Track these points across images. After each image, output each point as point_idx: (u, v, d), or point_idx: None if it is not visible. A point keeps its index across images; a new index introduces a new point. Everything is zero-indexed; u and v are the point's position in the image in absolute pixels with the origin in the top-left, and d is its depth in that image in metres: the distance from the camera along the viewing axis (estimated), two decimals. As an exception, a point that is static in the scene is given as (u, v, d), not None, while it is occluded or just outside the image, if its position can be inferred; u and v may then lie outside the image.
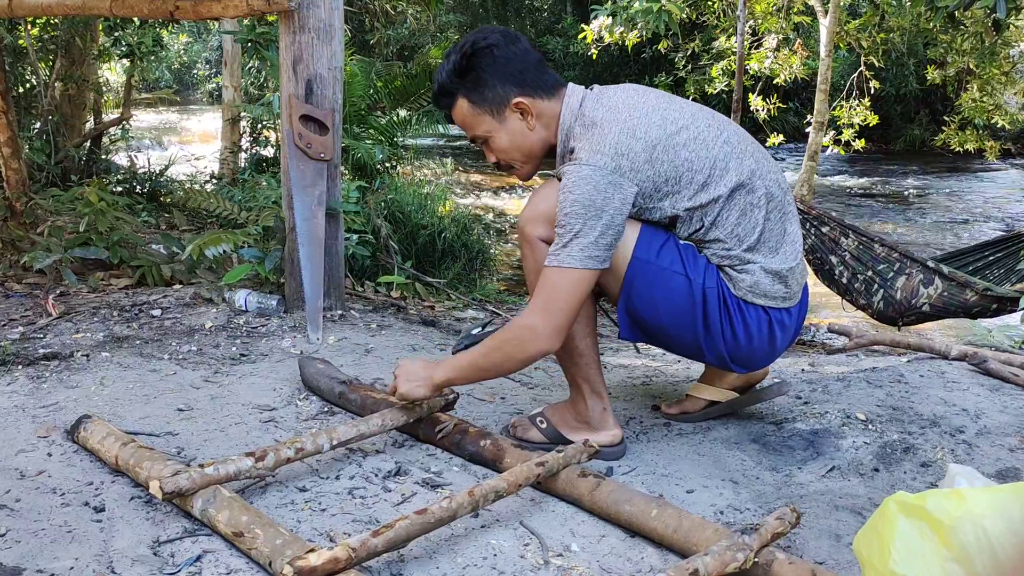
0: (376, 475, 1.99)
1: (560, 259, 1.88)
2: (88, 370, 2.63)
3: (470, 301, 6.01)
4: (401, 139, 8.40)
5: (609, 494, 1.78)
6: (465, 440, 2.08)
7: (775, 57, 9.44)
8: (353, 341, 3.02)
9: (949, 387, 2.44)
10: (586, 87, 2.06)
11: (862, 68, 9.69)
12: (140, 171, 7.75)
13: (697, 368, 2.87)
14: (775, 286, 1.98)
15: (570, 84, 2.04)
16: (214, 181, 8.41)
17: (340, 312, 3.30)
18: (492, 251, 7.54)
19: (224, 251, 3.19)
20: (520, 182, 2.18)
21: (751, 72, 9.25)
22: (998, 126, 8.90)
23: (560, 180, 2.06)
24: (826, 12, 8.37)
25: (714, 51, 9.71)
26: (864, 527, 1.36)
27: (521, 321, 1.93)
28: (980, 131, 9.26)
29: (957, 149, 9.56)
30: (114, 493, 1.86)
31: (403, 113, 8.51)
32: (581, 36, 9.21)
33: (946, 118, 9.96)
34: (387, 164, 7.98)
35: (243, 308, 3.26)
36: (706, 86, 9.09)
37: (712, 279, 1.97)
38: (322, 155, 3.09)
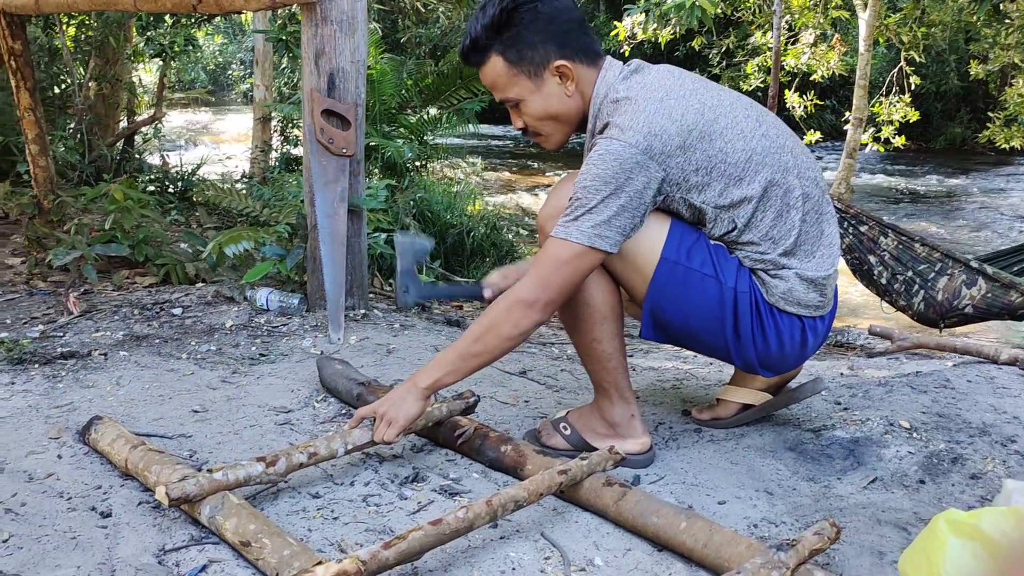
0: (392, 481, 1.91)
1: (567, 231, 1.77)
2: (105, 369, 2.58)
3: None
4: (431, 138, 8.35)
5: (635, 504, 1.69)
6: (485, 445, 2.00)
7: (812, 53, 9.25)
8: (375, 341, 2.94)
9: (999, 393, 2.31)
10: (624, 62, 1.96)
11: (902, 64, 9.46)
12: (172, 170, 7.76)
13: (730, 371, 2.75)
14: (810, 294, 1.87)
15: (608, 57, 1.94)
16: (245, 180, 8.42)
17: (363, 311, 3.23)
18: (521, 250, 7.44)
19: (245, 249, 3.13)
20: (548, 149, 2.05)
21: (787, 68, 9.05)
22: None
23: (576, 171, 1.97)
24: (866, 6, 8.16)
25: (749, 47, 9.53)
26: (911, 546, 1.26)
27: (516, 294, 1.81)
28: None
29: (1003, 146, 9.29)
30: (122, 498, 1.80)
31: (433, 111, 8.45)
32: (614, 33, 9.09)
33: (990, 115, 9.68)
34: (417, 163, 7.93)
35: (264, 307, 3.20)
36: (741, 83, 8.90)
37: (744, 283, 1.86)
38: (344, 150, 3.02)
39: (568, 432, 2.06)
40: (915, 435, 2.00)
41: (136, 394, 2.41)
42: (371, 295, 3.50)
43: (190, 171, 7.77)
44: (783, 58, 8.42)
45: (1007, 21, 7.01)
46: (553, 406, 2.41)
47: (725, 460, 1.99)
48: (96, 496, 1.81)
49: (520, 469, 1.91)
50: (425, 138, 8.22)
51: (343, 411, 2.32)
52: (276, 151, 8.67)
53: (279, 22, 7.86)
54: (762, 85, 8.75)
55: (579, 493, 1.78)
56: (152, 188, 7.33)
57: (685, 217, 1.90)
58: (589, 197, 1.77)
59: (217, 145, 13.68)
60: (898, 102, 9.46)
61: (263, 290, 3.22)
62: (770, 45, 8.40)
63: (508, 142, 17.40)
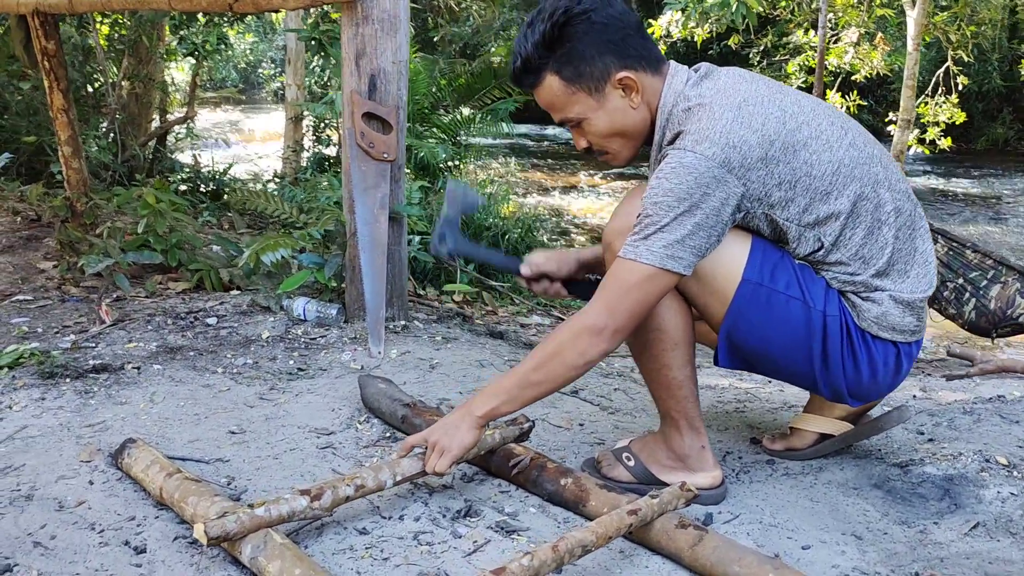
0: (444, 516, 1.77)
1: (637, 251, 1.63)
2: (138, 384, 2.47)
3: (534, 306, 5.79)
4: (464, 138, 8.23)
5: (714, 551, 1.54)
6: (543, 477, 1.85)
7: (856, 52, 9.00)
8: (417, 355, 2.81)
9: None
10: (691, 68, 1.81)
11: (949, 63, 9.20)
12: (204, 170, 7.70)
13: (794, 391, 2.60)
14: (906, 318, 1.71)
15: (671, 62, 1.79)
16: (276, 180, 8.34)
17: (403, 322, 3.10)
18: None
19: (282, 257, 3.02)
20: (616, 165, 1.89)
21: (829, 68, 8.81)
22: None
23: (643, 184, 1.82)
24: (914, 4, 7.91)
25: (791, 46, 9.28)
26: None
27: (582, 321, 1.67)
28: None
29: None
30: (156, 531, 1.68)
31: (466, 111, 8.33)
32: (649, 31, 8.91)
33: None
34: (450, 163, 7.80)
35: (301, 317, 3.08)
36: (783, 82, 8.67)
37: (834, 306, 1.70)
38: (385, 155, 2.89)
39: (632, 463, 1.91)
40: (1015, 473, 1.83)
41: (170, 412, 2.29)
42: (410, 304, 3.37)
43: (222, 171, 7.70)
44: (825, 57, 8.21)
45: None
46: (610, 430, 2.26)
47: (805, 497, 1.83)
48: (130, 529, 1.69)
49: (582, 504, 1.77)
50: (458, 138, 8.11)
51: (387, 434, 2.19)
52: (308, 151, 8.59)
53: (311, 20, 7.78)
54: (803, 85, 8.53)
55: (649, 534, 1.63)
56: (184, 188, 7.27)
57: (766, 235, 1.74)
58: (661, 214, 1.62)
59: (247, 144, 13.65)
60: (944, 103, 9.21)
61: (300, 299, 3.10)
62: (812, 44, 8.19)
63: (540, 142, 17.23)
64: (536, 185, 12.38)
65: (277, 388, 2.52)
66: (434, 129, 8.07)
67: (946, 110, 9.13)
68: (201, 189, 7.44)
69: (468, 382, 2.60)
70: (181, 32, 7.59)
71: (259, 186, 8.06)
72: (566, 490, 1.80)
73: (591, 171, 13.83)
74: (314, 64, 9.25)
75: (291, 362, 2.74)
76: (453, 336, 3.06)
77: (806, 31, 9.25)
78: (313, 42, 8.02)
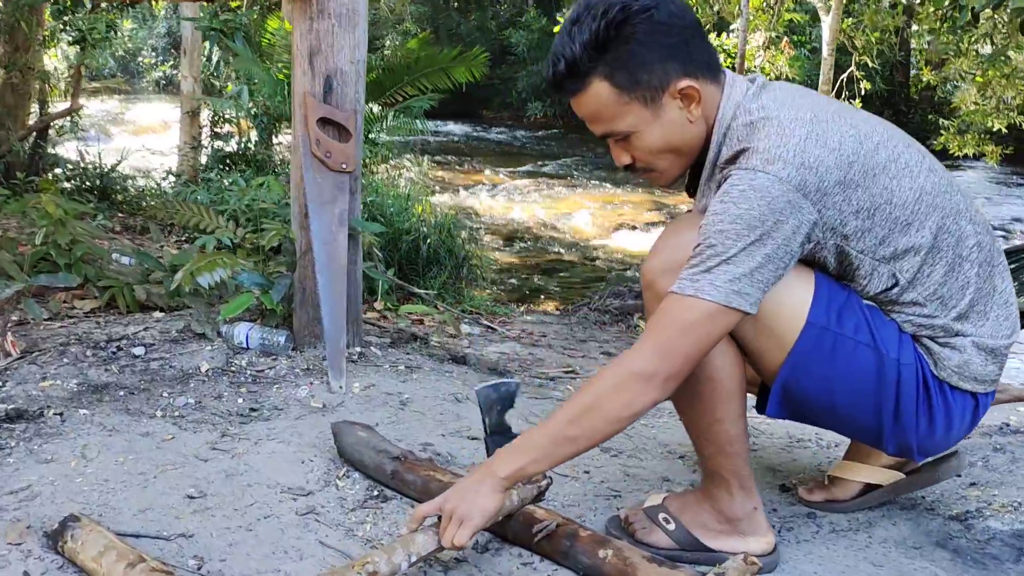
0: (467, 600, 1.52)
1: (698, 286, 1.41)
2: (64, 436, 2.10)
3: (459, 313, 5.55)
4: (375, 136, 7.88)
5: (803, 642, 1.34)
6: (576, 548, 1.61)
7: (764, 56, 9.09)
8: (383, 389, 2.53)
9: None
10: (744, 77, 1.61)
11: (852, 69, 9.42)
12: (90, 166, 7.10)
13: (801, 425, 2.43)
14: (988, 367, 1.55)
15: (727, 70, 1.58)
16: (172, 178, 7.79)
17: (359, 349, 2.80)
18: (478, 257, 7.05)
19: (220, 278, 2.67)
20: (660, 185, 1.65)
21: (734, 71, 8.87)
22: (994, 129, 8.69)
23: (694, 214, 1.61)
24: (828, 10, 8.02)
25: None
26: None
27: (628, 366, 1.46)
28: (981, 135, 9.04)
29: (956, 153, 9.33)
30: (124, 642, 1.36)
31: (376, 108, 7.97)
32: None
33: (943, 121, 9.73)
34: (363, 163, 7.44)
35: (244, 345, 2.74)
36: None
37: (909, 353, 1.53)
38: (344, 166, 2.60)
39: (672, 527, 1.69)
40: (1085, 527, 1.71)
41: (110, 471, 1.94)
42: (365, 326, 3.07)
43: (110, 167, 7.13)
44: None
45: (972, 31, 6.98)
46: (621, 478, 2.05)
47: (864, 561, 1.66)
48: (87, 639, 1.37)
49: (628, 582, 1.54)
50: (371, 136, 7.75)
51: (374, 492, 1.91)
52: (207, 148, 8.06)
53: (208, 7, 7.28)
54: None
55: (719, 621, 1.42)
56: (67, 186, 6.68)
57: (832, 269, 1.55)
58: (728, 244, 1.41)
59: (133, 137, 12.83)
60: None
61: (242, 325, 2.76)
62: (723, 46, 8.21)
63: (445, 138, 16.91)
64: (444, 183, 12.08)
65: (230, 434, 2.19)
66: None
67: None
68: (86, 186, 6.85)
69: (448, 421, 2.34)
70: (65, 18, 6.97)
71: (153, 185, 7.51)
72: (607, 564, 1.57)
73: (495, 168, 13.64)
74: (212, 56, 8.69)
75: (240, 400, 2.42)
76: (416, 364, 2.79)
77: (719, 34, 9.28)
78: (212, 33, 7.51)
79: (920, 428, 1.54)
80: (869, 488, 1.81)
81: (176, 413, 2.30)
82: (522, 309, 6.87)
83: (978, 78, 8.48)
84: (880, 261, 1.50)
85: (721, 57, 8.81)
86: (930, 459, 1.73)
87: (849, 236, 1.48)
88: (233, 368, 2.62)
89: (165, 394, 2.42)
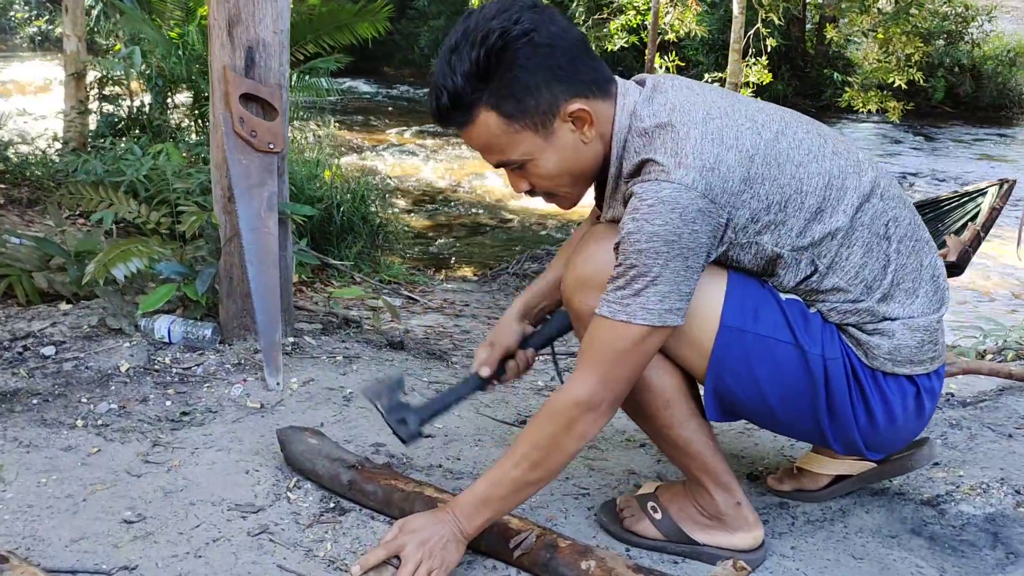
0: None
1: (629, 311, 1.37)
2: (-26, 455, 1.91)
3: (377, 285, 5.40)
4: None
5: (805, 654, 1.30)
6: (556, 561, 1.53)
7: (674, 13, 9.07)
8: (323, 384, 2.39)
9: None
10: (633, 81, 1.54)
11: (759, 25, 9.51)
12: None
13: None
14: (924, 347, 1.51)
15: (618, 79, 1.51)
16: (58, 145, 7.30)
17: (292, 339, 2.64)
18: (392, 225, 6.86)
19: (137, 268, 2.47)
20: (565, 208, 1.57)
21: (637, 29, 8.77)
22: (895, 85, 8.92)
23: (605, 226, 1.54)
24: (736, -34, 8.04)
25: (614, 5, 9.17)
26: None
27: (573, 398, 1.43)
28: (883, 92, 9.28)
29: (860, 110, 9.55)
30: None
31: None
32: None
33: (847, 78, 9.94)
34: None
35: (166, 340, 2.55)
36: (607, 44, 8.58)
37: (834, 347, 1.49)
38: (271, 145, 2.41)
39: (660, 517, 1.65)
40: (1055, 507, 1.73)
41: (33, 496, 1.76)
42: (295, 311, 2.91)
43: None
44: (645, 18, 8.20)
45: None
46: (586, 474, 1.98)
47: (844, 553, 1.64)
48: None
49: (615, 594, 1.48)
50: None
51: (330, 504, 1.79)
52: (95, 113, 7.56)
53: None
54: (626, 45, 8.50)
55: (716, 634, 1.37)
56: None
57: (747, 266, 1.49)
58: (649, 263, 1.35)
59: (7, 98, 11.98)
60: (756, 64, 9.52)
61: (162, 318, 2.56)
62: (634, 3, 8.15)
63: (346, 96, 16.40)
64: (345, 145, 11.71)
65: (162, 444, 2.03)
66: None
67: (758, 71, 9.47)
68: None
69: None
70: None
71: (38, 152, 7.01)
72: (592, 577, 1.50)
73: (400, 128, 13.33)
74: (95, 13, 8.14)
75: (168, 403, 2.24)
76: (354, 353, 2.65)
77: (629, -7, 9.22)
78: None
79: (860, 422, 1.51)
80: (839, 478, 1.79)
81: (99, 421, 2.12)
82: (441, 277, 6.74)
83: (879, 35, 8.68)
84: (798, 251, 1.45)
85: (631, 14, 8.75)
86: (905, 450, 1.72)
87: (763, 231, 1.43)
88: (156, 366, 2.43)
89: (84, 399, 2.22)
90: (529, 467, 1.46)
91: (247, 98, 2.39)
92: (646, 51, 8.06)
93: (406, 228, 7.72)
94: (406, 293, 5.53)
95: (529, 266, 7.18)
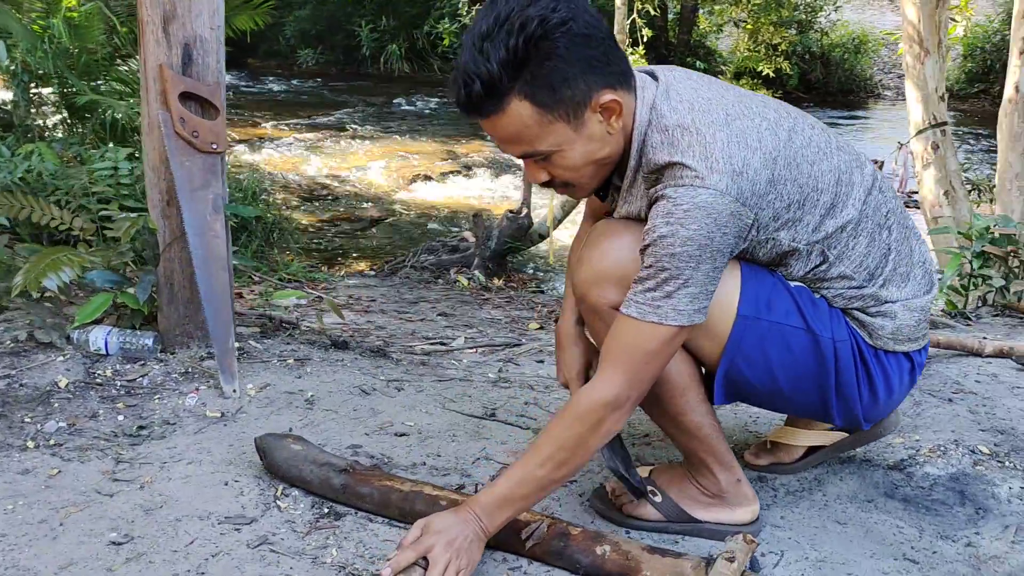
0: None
1: (661, 312, 1.43)
2: (-77, 487, 1.78)
3: (276, 283, 5.29)
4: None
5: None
6: (572, 548, 1.57)
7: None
8: (281, 388, 2.33)
9: (1019, 394, 2.29)
10: (643, 73, 1.57)
11: (635, 16, 9.76)
12: None
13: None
14: (920, 325, 1.63)
15: (635, 71, 1.54)
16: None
17: (237, 344, 2.56)
18: (287, 221, 6.70)
19: (68, 279, 2.33)
20: (577, 199, 1.62)
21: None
22: (763, 73, 9.34)
23: (617, 222, 1.59)
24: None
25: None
26: None
27: (600, 398, 1.47)
28: (753, 80, 9.68)
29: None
30: None
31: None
32: None
33: (714, 68, 10.33)
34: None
35: (102, 352, 2.43)
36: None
37: (842, 330, 1.59)
38: (213, 145, 2.34)
39: (660, 500, 1.70)
40: (1007, 463, 1.88)
41: (2, 523, 1.66)
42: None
43: None
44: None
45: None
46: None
47: (829, 520, 1.75)
48: None
49: (632, 576, 1.53)
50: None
51: (324, 509, 1.77)
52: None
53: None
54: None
55: (737, 605, 1.44)
56: None
57: (761, 258, 1.58)
58: (681, 266, 1.41)
59: None
60: (633, 54, 9.77)
61: (97, 330, 2.44)
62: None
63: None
64: (232, 138, 11.29)
65: (126, 460, 1.94)
66: (114, 83, 6.99)
67: (635, 62, 9.69)
68: None
69: (365, 418, 2.20)
70: None
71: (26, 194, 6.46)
72: (608, 561, 1.54)
73: (275, 121, 12.97)
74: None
75: (121, 418, 2.15)
76: (303, 355, 2.59)
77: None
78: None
79: (864, 398, 1.62)
80: (812, 449, 1.90)
81: (51, 441, 2.01)
82: (342, 273, 6.64)
83: (748, 25, 9.08)
84: (811, 244, 1.54)
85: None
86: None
87: (781, 228, 1.51)
88: (98, 380, 2.32)
89: (27, 419, 2.10)
90: (554, 467, 1.48)
91: (185, 97, 2.30)
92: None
93: (296, 224, 7.55)
94: (310, 290, 5.43)
95: (426, 258, 7.17)
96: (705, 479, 1.67)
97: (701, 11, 11.21)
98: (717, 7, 9.41)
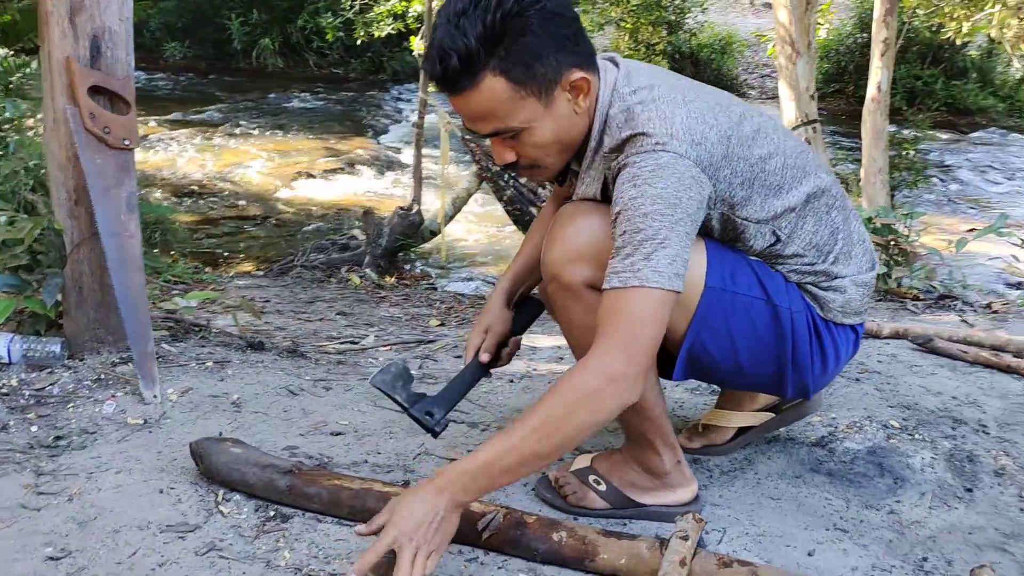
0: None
1: (642, 275, 1.44)
2: None
3: (164, 285, 5.11)
4: (16, 86, 6.80)
5: (775, 586, 1.47)
6: (527, 536, 1.60)
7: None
8: (204, 392, 2.27)
9: (917, 372, 2.46)
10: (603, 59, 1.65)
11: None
12: None
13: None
14: (864, 300, 1.75)
15: (595, 57, 1.61)
16: None
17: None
18: (172, 220, 6.44)
19: (-35, 283, 2.19)
20: (539, 181, 1.67)
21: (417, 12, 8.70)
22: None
23: (584, 202, 1.65)
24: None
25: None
26: None
27: (596, 368, 1.43)
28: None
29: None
30: None
31: (12, 57, 6.87)
32: None
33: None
34: (12, 120, 6.38)
35: (5, 359, 2.30)
36: (374, 30, 8.42)
37: (798, 302, 1.69)
38: (126, 141, 2.25)
39: (603, 488, 1.75)
40: (916, 436, 2.03)
41: (-78, 547, 1.56)
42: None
43: None
44: (411, 4, 8.21)
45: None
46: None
47: (763, 496, 1.84)
48: None
49: (589, 560, 1.57)
50: (11, 87, 6.67)
51: (269, 511, 1.73)
52: None
53: None
54: (393, 32, 8.46)
55: (693, 582, 1.51)
56: None
57: (716, 234, 1.67)
58: (656, 226, 1.45)
59: None
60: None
61: (-1, 337, 2.31)
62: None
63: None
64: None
65: (47, 473, 1.85)
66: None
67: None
68: None
69: (297, 419, 2.16)
70: None
71: None
72: (565, 547, 1.58)
73: (143, 117, 12.41)
74: None
75: (34, 428, 2.04)
76: (220, 357, 2.52)
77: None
78: None
79: (815, 368, 1.73)
80: (742, 430, 1.99)
81: (-39, 456, 1.89)
82: (231, 273, 6.45)
83: (626, 24, 9.31)
84: (761, 223, 1.64)
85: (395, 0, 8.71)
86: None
87: (735, 205, 1.60)
88: (4, 389, 2.19)
89: (-70, 434, 1.97)
90: (538, 438, 1.42)
91: (94, 91, 2.20)
92: (412, 38, 8.09)
93: (179, 225, 7.27)
94: (214, 292, 5.26)
95: (316, 257, 7.03)
96: (650, 461, 1.73)
97: (580, 10, 11.45)
98: (598, 7, 9.61)
